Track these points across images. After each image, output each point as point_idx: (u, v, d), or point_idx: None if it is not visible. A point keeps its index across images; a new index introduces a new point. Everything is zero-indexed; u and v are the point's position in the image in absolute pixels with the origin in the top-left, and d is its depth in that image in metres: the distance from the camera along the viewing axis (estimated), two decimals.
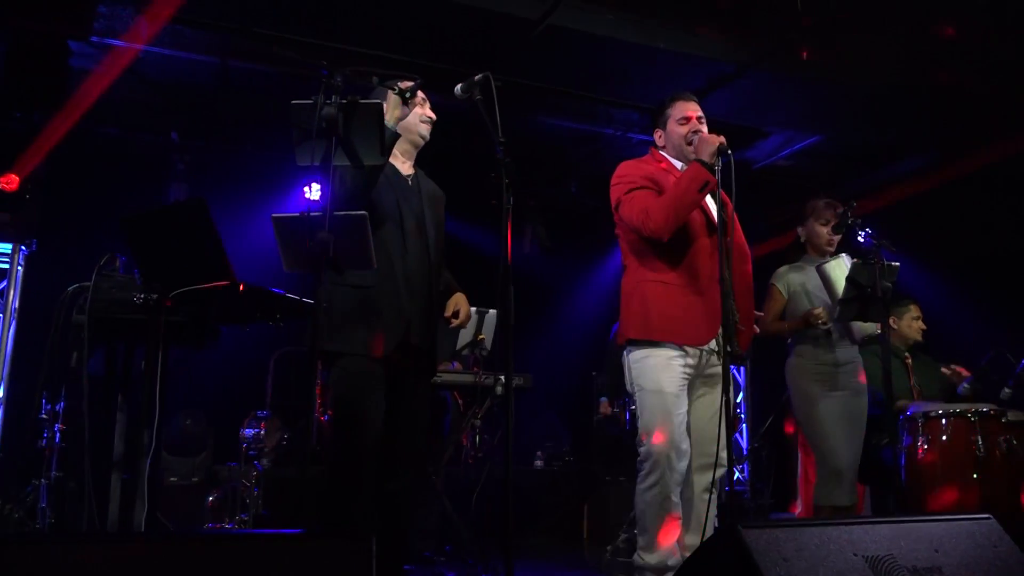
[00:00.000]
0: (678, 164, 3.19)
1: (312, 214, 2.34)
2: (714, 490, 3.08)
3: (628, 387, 3.13)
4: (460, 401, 5.13)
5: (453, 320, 2.97)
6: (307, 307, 2.55)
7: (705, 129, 3.19)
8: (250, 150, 6.64)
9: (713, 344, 3.01)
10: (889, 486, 3.73)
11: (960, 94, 5.15)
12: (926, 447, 3.63)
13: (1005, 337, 5.63)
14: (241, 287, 2.31)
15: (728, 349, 2.73)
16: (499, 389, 4.45)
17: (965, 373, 4.23)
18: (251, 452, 5.14)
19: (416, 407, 2.85)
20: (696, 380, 3.06)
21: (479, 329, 4.51)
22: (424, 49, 4.74)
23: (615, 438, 5.35)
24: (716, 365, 3.04)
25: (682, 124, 3.20)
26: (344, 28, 4.67)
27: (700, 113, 3.23)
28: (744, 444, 6.94)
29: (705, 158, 2.94)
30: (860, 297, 3.34)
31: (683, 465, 2.98)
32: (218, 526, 2.93)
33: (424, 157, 3.09)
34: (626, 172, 3.18)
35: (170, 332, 2.51)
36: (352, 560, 1.53)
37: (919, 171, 6.45)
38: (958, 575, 1.94)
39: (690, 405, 3.06)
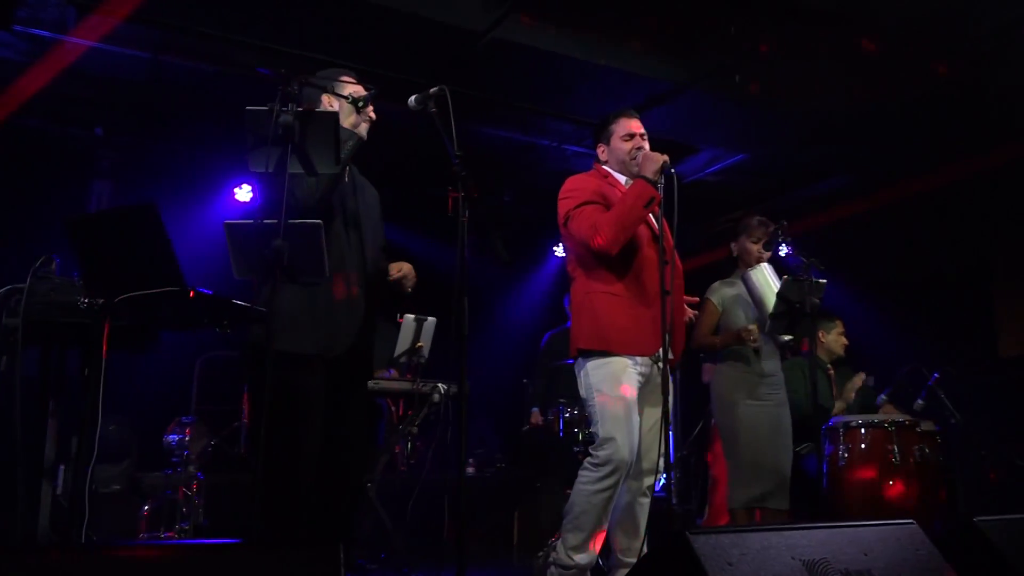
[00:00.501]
0: (622, 178, 3.29)
1: (267, 222, 2.33)
2: (649, 495, 3.20)
3: (583, 393, 3.19)
4: (394, 409, 5.12)
5: (397, 274, 2.88)
6: (257, 313, 2.53)
7: (647, 146, 3.30)
8: (179, 148, 6.49)
9: (660, 353, 3.12)
10: (812, 492, 3.90)
11: (884, 122, 5.44)
12: (846, 455, 3.83)
13: (919, 353, 5.98)
14: (192, 293, 2.28)
15: (670, 358, 2.85)
16: (436, 397, 4.48)
17: (861, 377, 4.45)
18: (174, 459, 5.01)
19: (356, 413, 2.83)
20: (644, 389, 3.16)
21: (417, 336, 4.52)
22: (368, 56, 4.74)
23: (546, 446, 5.42)
24: (658, 375, 3.14)
25: (626, 140, 3.31)
26: (286, 31, 4.63)
27: (643, 130, 3.34)
28: (671, 451, 7.13)
29: (649, 175, 3.04)
30: (789, 312, 3.50)
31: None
32: (155, 536, 2.86)
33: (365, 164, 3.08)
34: (575, 187, 3.26)
35: (111, 337, 2.46)
36: (320, 568, 1.54)
37: (841, 193, 6.80)
38: (884, 571, 2.07)
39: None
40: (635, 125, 3.33)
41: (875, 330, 5.78)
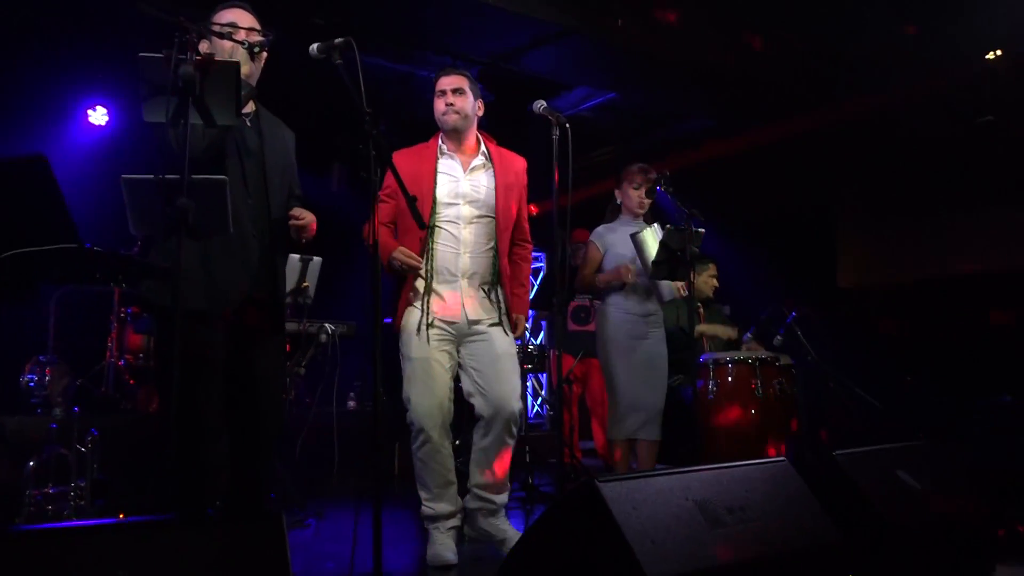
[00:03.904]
0: (438, 143, 3.37)
1: (169, 177, 2.24)
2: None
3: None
4: None
5: (297, 222, 2.78)
6: (157, 270, 2.45)
7: (458, 103, 3.29)
8: (22, 67, 5.94)
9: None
10: (687, 420, 4.23)
11: (744, 72, 5.73)
12: (715, 388, 4.17)
13: (770, 286, 6.48)
14: (90, 250, 2.18)
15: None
16: (324, 337, 4.48)
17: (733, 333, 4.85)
18: (33, 400, 4.76)
19: (265, 372, 2.76)
20: (468, 343, 3.36)
21: (303, 276, 4.46)
22: None
23: None
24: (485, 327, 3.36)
25: (438, 97, 3.32)
26: None
27: (454, 87, 3.31)
28: (544, 384, 7.51)
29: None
30: (670, 260, 3.72)
31: None
32: (43, 493, 2.76)
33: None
34: (388, 173, 3.24)
35: None
36: (264, 541, 1.58)
37: (703, 135, 7.14)
38: (761, 508, 2.32)
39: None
40: (444, 82, 3.34)
41: (731, 266, 6.17)
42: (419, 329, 3.26)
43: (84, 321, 5.82)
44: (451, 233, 3.30)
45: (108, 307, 5.62)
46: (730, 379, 4.17)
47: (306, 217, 2.78)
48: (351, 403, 6.07)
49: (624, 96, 6.62)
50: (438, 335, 3.27)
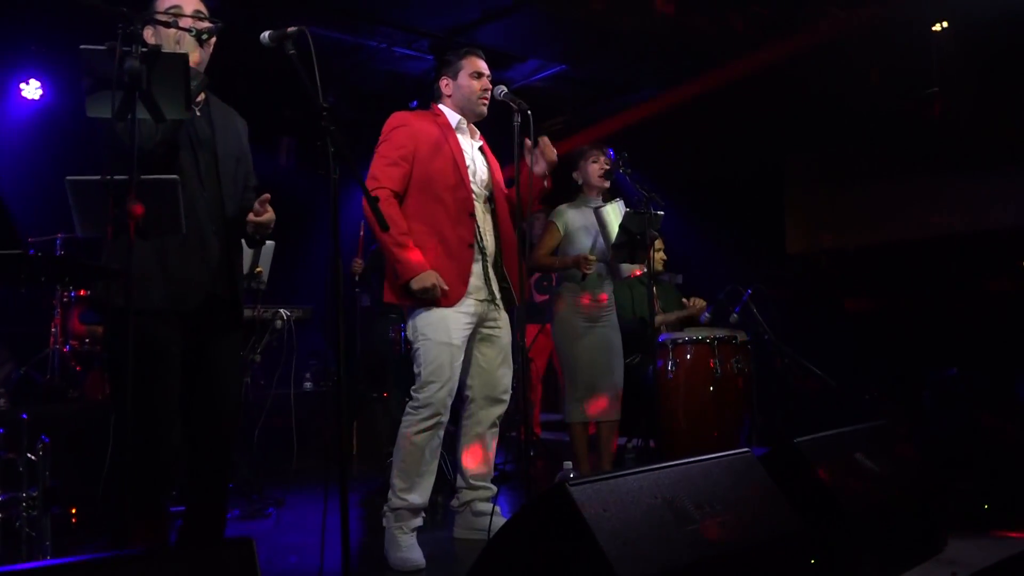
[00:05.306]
0: (455, 119, 3.33)
1: (117, 179, 2.13)
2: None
3: (410, 336, 3.29)
4: None
5: (257, 218, 2.64)
6: (103, 270, 2.35)
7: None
8: None
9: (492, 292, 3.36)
10: (646, 398, 4.26)
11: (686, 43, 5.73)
12: (674, 368, 4.20)
13: (718, 251, 6.54)
14: (34, 256, 2.08)
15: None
16: (279, 323, 4.38)
17: (702, 303, 4.88)
18: None
19: (224, 368, 2.68)
20: (481, 327, 3.35)
21: (256, 261, 4.34)
22: None
23: (386, 358, 5.47)
24: (495, 311, 3.38)
25: (474, 79, 3.30)
26: None
27: (488, 71, 3.37)
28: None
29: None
30: (630, 243, 3.71)
31: None
32: None
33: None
34: (391, 137, 3.24)
35: None
36: (234, 568, 1.54)
37: (652, 100, 7.10)
38: (726, 501, 2.36)
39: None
40: (483, 65, 3.35)
41: (679, 231, 6.20)
42: (451, 312, 3.18)
43: (24, 304, 5.61)
44: (478, 211, 3.28)
45: (50, 290, 5.43)
46: (688, 358, 4.21)
47: (267, 214, 2.68)
48: (307, 384, 6.00)
49: (574, 68, 6.57)
50: (466, 321, 3.22)
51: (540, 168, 3.22)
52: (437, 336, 3.16)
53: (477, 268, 3.25)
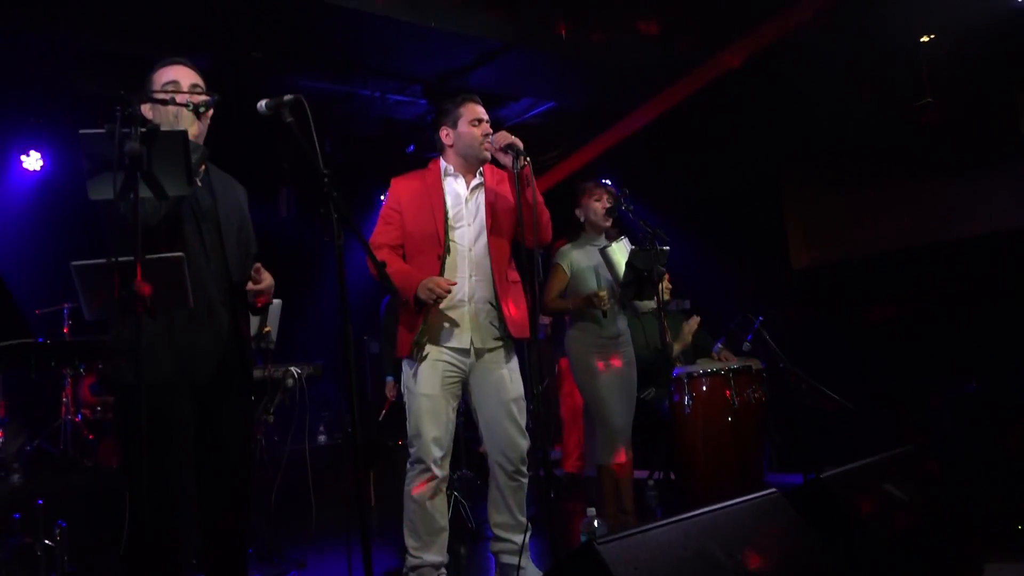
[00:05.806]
0: (446, 168, 3.34)
1: (122, 260, 2.12)
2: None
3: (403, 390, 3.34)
4: None
5: (257, 286, 2.68)
6: (111, 350, 2.33)
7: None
8: None
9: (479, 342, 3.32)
10: (663, 433, 4.21)
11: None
12: (690, 402, 4.16)
13: (735, 278, 6.45)
14: (43, 344, 2.07)
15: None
16: (290, 381, 4.35)
17: (695, 320, 4.82)
18: None
19: (236, 434, 2.67)
20: (474, 377, 3.33)
21: (263, 321, 4.32)
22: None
23: (402, 410, 5.44)
24: (490, 361, 3.34)
25: (474, 125, 3.30)
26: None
27: (487, 117, 3.37)
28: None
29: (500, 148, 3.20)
30: (638, 280, 3.70)
31: None
32: None
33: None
34: (385, 202, 3.37)
35: None
36: None
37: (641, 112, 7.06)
38: (757, 543, 2.31)
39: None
40: (481, 111, 3.34)
41: (681, 253, 6.15)
42: (428, 362, 3.19)
43: (35, 375, 5.59)
44: (458, 256, 3.25)
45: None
46: (705, 390, 4.17)
47: (265, 281, 2.68)
48: (321, 437, 5.96)
49: (563, 104, 6.61)
50: (448, 370, 3.21)
51: (498, 144, 3.19)
52: (415, 388, 3.21)
53: (458, 315, 3.23)
